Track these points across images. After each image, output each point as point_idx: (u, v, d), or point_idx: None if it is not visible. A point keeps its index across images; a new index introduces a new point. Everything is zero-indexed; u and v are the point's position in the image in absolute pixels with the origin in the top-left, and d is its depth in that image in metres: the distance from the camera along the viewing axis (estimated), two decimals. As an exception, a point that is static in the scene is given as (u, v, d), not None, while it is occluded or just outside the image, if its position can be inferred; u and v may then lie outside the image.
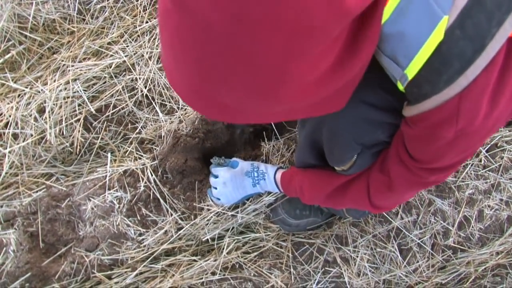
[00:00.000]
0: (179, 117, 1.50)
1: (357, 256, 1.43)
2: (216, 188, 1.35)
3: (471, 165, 1.59)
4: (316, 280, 1.40)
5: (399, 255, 1.46)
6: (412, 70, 0.68)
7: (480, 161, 1.60)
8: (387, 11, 0.66)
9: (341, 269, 1.42)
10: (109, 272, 1.35)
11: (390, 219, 1.49)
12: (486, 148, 1.61)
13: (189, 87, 0.62)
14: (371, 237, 1.46)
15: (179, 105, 1.52)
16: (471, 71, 0.64)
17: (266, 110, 0.65)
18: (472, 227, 1.55)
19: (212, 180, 1.37)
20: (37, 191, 1.39)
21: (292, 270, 1.40)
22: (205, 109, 0.67)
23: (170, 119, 1.50)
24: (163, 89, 1.53)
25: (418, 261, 1.47)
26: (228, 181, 1.33)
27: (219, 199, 1.36)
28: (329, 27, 0.51)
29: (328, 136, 0.95)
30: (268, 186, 1.33)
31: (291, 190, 1.27)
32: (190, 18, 0.49)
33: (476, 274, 1.50)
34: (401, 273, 1.45)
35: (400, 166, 0.90)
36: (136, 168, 1.40)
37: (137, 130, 1.50)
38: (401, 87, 0.74)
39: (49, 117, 1.41)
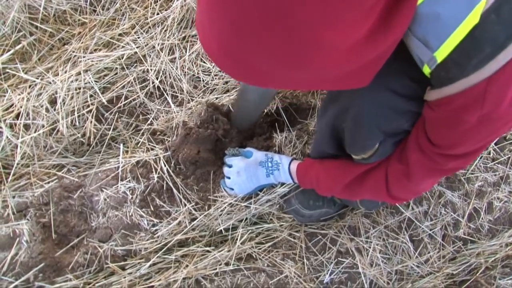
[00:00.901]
0: (191, 108, 1.50)
1: (370, 247, 1.43)
2: (229, 178, 1.35)
3: (480, 158, 1.60)
4: (329, 271, 1.40)
5: (410, 246, 1.47)
6: (442, 53, 0.68)
7: (489, 153, 1.61)
8: None
9: (354, 260, 1.42)
10: (122, 263, 1.34)
11: (402, 210, 1.49)
12: (495, 141, 1.62)
13: (221, 48, 0.64)
14: (383, 228, 1.47)
15: (190, 96, 1.52)
16: (502, 56, 0.64)
17: (294, 76, 0.66)
18: (482, 218, 1.57)
19: (225, 170, 1.37)
20: (48, 182, 1.38)
21: (305, 260, 1.40)
22: (235, 70, 0.69)
23: (182, 110, 1.50)
24: (175, 80, 1.53)
25: (429, 252, 1.48)
26: (242, 170, 1.33)
27: (232, 189, 1.36)
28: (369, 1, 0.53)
29: (352, 123, 0.94)
30: (282, 177, 1.33)
31: (307, 182, 1.27)
32: None
33: (486, 265, 1.51)
34: (413, 264, 1.45)
35: (419, 154, 0.90)
36: (149, 159, 1.39)
37: (149, 122, 1.50)
38: (427, 70, 0.74)
39: (61, 108, 1.40)
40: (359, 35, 0.59)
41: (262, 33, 0.56)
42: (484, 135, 0.78)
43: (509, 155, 1.62)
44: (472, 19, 0.63)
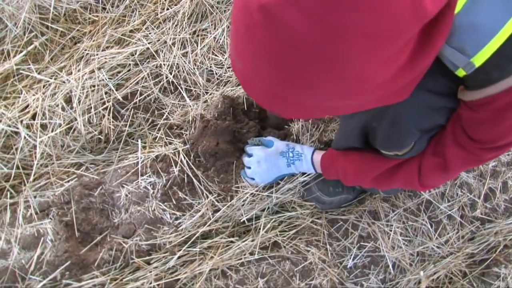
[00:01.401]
0: (206, 101, 1.51)
1: (391, 230, 1.45)
2: (250, 168, 1.36)
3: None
4: (352, 255, 1.41)
5: (430, 227, 1.49)
6: (480, 58, 0.71)
7: (501, 133, 1.63)
8: (460, 3, 0.68)
9: (376, 243, 1.43)
10: (147, 258, 1.35)
11: (419, 193, 1.51)
12: None
13: (269, 93, 0.67)
14: (402, 211, 1.48)
15: (204, 89, 1.53)
16: None
17: (341, 105, 0.70)
18: (498, 198, 1.59)
19: (246, 159, 1.37)
20: (68, 181, 1.38)
21: (328, 246, 1.42)
22: (283, 110, 0.73)
23: (197, 103, 1.50)
24: (188, 74, 1.54)
25: (448, 233, 1.50)
26: (262, 160, 1.34)
27: (253, 179, 1.37)
28: (411, 30, 0.56)
29: (389, 125, 0.95)
30: (303, 166, 1.34)
31: (332, 173, 1.28)
32: (279, 30, 0.53)
33: (504, 243, 1.53)
34: (434, 245, 1.47)
35: (457, 148, 0.93)
36: (169, 153, 1.40)
37: (164, 116, 1.50)
38: (462, 73, 0.76)
39: (78, 106, 1.40)
40: (401, 63, 0.62)
41: (313, 78, 0.59)
42: None
43: (521, 135, 1.64)
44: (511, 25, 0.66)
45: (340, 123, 1.24)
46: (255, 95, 0.72)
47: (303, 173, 1.42)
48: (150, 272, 1.32)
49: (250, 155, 1.37)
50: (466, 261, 1.51)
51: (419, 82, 0.76)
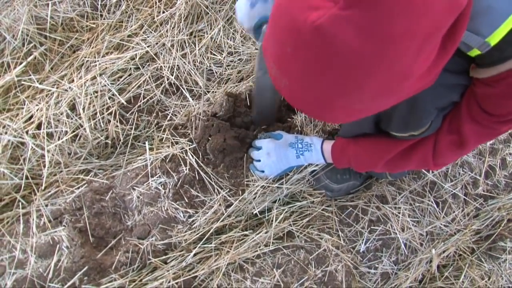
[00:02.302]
0: (208, 99, 1.53)
1: (399, 213, 1.48)
2: (259, 161, 1.38)
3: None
4: (364, 240, 1.44)
5: (436, 207, 1.53)
6: (495, 37, 0.76)
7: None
8: None
9: (386, 226, 1.47)
10: (164, 257, 1.36)
11: (423, 174, 1.55)
12: None
13: (320, 103, 0.72)
14: (408, 193, 1.52)
15: (205, 89, 1.55)
16: None
17: (383, 104, 0.75)
18: (498, 174, 1.64)
19: (254, 153, 1.40)
20: (78, 188, 1.39)
21: (340, 233, 1.44)
22: (331, 117, 0.79)
23: (199, 103, 1.52)
24: (188, 75, 1.56)
25: (454, 211, 1.54)
26: (272, 151, 1.36)
27: (263, 171, 1.39)
28: (449, 22, 0.62)
29: (406, 108, 0.99)
30: (313, 157, 1.37)
31: (343, 161, 1.31)
32: (335, 48, 0.59)
33: (508, 217, 1.58)
34: (441, 224, 1.51)
35: (474, 124, 0.97)
36: (177, 153, 1.41)
37: (168, 117, 1.52)
38: (476, 52, 0.81)
39: (83, 113, 1.41)
40: (435, 53, 0.67)
41: (365, 84, 0.65)
42: None
43: (514, 112, 1.69)
44: None
45: None
46: (304, 106, 0.76)
47: (311, 164, 1.44)
48: (168, 271, 1.33)
49: (259, 148, 1.39)
50: (473, 238, 1.55)
51: None
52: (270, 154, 1.36)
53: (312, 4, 0.58)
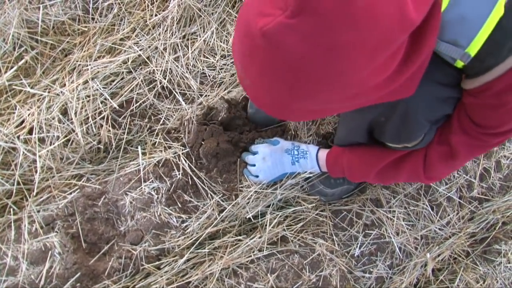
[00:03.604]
0: (201, 103, 1.52)
1: (394, 216, 1.48)
2: (254, 165, 1.37)
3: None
4: (359, 244, 1.44)
5: (431, 210, 1.52)
6: (474, 48, 0.76)
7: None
8: (445, 0, 0.74)
9: (381, 230, 1.46)
10: (157, 263, 1.35)
11: (418, 178, 1.54)
12: None
13: (278, 105, 0.74)
14: (402, 196, 1.51)
15: (199, 92, 1.54)
16: None
17: (343, 106, 0.78)
18: (492, 177, 1.63)
19: (249, 157, 1.39)
20: (71, 193, 1.38)
21: (334, 237, 1.44)
22: (291, 117, 0.82)
23: (192, 106, 1.51)
24: (181, 78, 1.54)
25: (449, 215, 1.53)
26: (267, 156, 1.35)
27: (257, 176, 1.38)
28: (400, 38, 0.63)
29: (399, 119, 0.98)
30: (308, 165, 1.36)
31: (337, 170, 1.31)
32: (285, 53, 0.61)
33: (502, 220, 1.58)
34: (436, 227, 1.50)
35: (463, 135, 0.96)
36: (170, 157, 1.40)
37: (161, 121, 1.51)
38: (460, 64, 0.81)
39: (75, 117, 1.40)
40: (396, 64, 0.69)
41: (315, 91, 0.67)
42: None
43: (509, 114, 1.69)
44: (497, 12, 0.71)
45: (342, 119, 1.27)
46: (264, 107, 0.78)
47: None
48: (161, 276, 1.33)
49: (254, 153, 1.38)
50: (468, 241, 1.55)
51: (426, 75, 0.80)
52: (265, 159, 1.35)
53: (263, 10, 0.60)
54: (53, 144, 1.39)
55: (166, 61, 1.53)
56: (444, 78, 0.90)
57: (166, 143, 1.45)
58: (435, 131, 1.03)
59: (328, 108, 0.76)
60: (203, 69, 1.57)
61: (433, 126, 1.00)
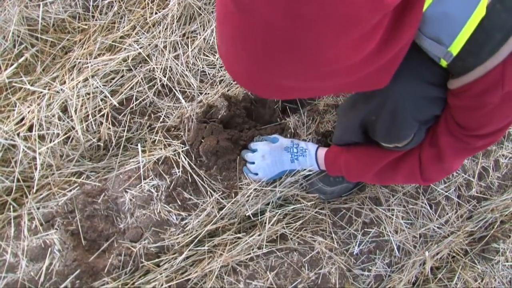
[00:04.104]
0: (201, 101, 1.52)
1: (392, 215, 1.48)
2: (253, 163, 1.37)
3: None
4: (358, 242, 1.44)
5: (429, 209, 1.53)
6: (456, 46, 0.76)
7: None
8: None
9: (379, 228, 1.47)
10: (157, 260, 1.35)
11: (417, 177, 1.55)
12: None
13: (248, 75, 0.73)
14: (401, 195, 1.52)
15: (198, 90, 1.54)
16: None
17: (317, 87, 0.76)
18: (491, 176, 1.64)
19: (249, 155, 1.39)
20: (70, 190, 1.38)
21: (333, 235, 1.44)
22: (263, 91, 0.79)
23: (192, 104, 1.51)
24: (181, 76, 1.55)
25: (447, 213, 1.54)
26: (267, 153, 1.36)
27: (256, 174, 1.38)
28: (372, 17, 0.61)
29: (389, 117, 0.99)
30: (307, 162, 1.37)
31: (336, 169, 1.31)
32: (251, 19, 0.60)
33: (501, 218, 1.58)
34: (435, 226, 1.51)
35: (449, 137, 0.97)
36: (169, 155, 1.40)
37: (161, 119, 1.51)
38: (444, 63, 0.82)
39: (75, 114, 1.40)
40: (371, 47, 0.68)
41: (285, 62, 0.66)
42: (509, 111, 0.85)
43: (508, 113, 1.70)
44: (479, 12, 0.72)
45: (339, 118, 1.27)
46: (237, 76, 0.77)
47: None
48: (161, 274, 1.33)
49: (254, 151, 1.39)
50: (467, 239, 1.56)
51: (414, 73, 0.82)
52: (265, 156, 1.36)
53: None
54: (53, 141, 1.39)
55: (166, 59, 1.54)
56: (432, 77, 0.91)
57: (166, 141, 1.45)
58: (425, 132, 1.04)
59: (304, 87, 0.75)
60: (203, 67, 1.58)
61: (422, 126, 1.01)
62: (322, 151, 1.35)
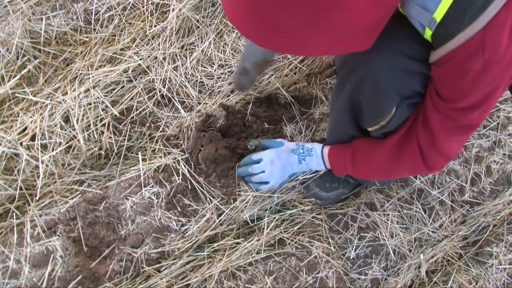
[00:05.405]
0: (200, 111, 1.56)
1: (388, 220, 1.51)
2: (264, 172, 1.39)
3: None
4: (354, 246, 1.47)
5: (424, 214, 1.56)
6: (440, 12, 0.81)
7: (480, 121, 1.74)
8: None
9: (375, 233, 1.50)
10: (157, 265, 1.37)
11: (410, 182, 1.59)
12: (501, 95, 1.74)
13: (247, 17, 0.76)
14: (396, 200, 1.55)
15: (197, 100, 1.58)
16: (492, 7, 0.77)
17: (310, 41, 0.79)
18: (483, 182, 1.68)
19: (255, 166, 1.41)
20: (72, 198, 1.41)
21: (330, 240, 1.47)
22: (259, 37, 0.81)
23: (191, 114, 1.55)
24: (180, 87, 1.59)
25: (441, 218, 1.58)
26: (275, 158, 1.38)
27: (267, 183, 1.41)
28: None
29: (371, 90, 1.04)
30: (314, 162, 1.39)
31: (341, 166, 1.34)
32: None
33: (493, 223, 1.62)
34: (429, 230, 1.54)
35: (436, 113, 1.01)
36: (169, 163, 1.44)
37: (161, 129, 1.55)
38: (429, 33, 0.86)
39: (77, 124, 1.44)
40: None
41: (294, 7, 0.70)
42: (489, 79, 0.88)
43: (498, 121, 1.75)
44: None
45: (331, 106, 1.31)
46: (235, 21, 0.80)
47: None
48: (161, 279, 1.35)
49: (258, 161, 1.41)
50: (461, 243, 1.59)
51: (394, 46, 0.88)
52: (274, 161, 1.38)
53: None
54: (55, 150, 1.42)
55: (166, 70, 1.58)
56: (410, 52, 0.96)
57: (166, 149, 1.49)
58: (409, 108, 1.08)
59: (292, 32, 0.77)
60: (201, 78, 1.62)
61: (404, 100, 1.05)
62: (327, 148, 1.37)
